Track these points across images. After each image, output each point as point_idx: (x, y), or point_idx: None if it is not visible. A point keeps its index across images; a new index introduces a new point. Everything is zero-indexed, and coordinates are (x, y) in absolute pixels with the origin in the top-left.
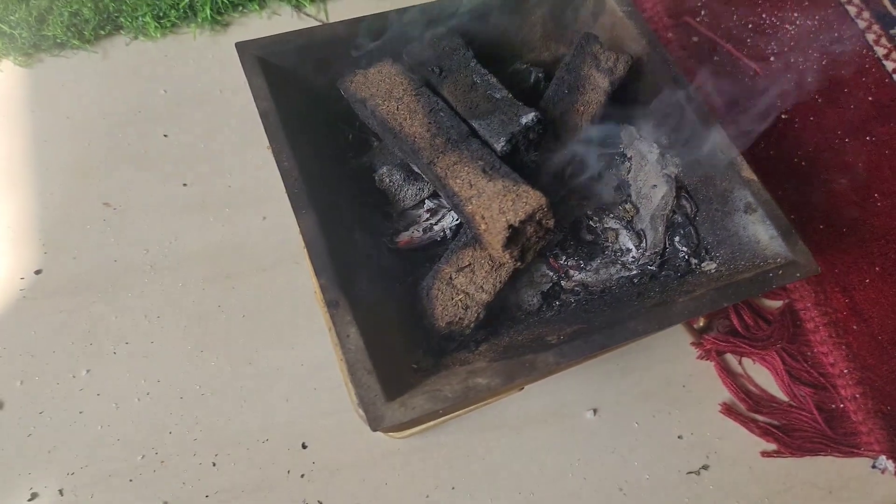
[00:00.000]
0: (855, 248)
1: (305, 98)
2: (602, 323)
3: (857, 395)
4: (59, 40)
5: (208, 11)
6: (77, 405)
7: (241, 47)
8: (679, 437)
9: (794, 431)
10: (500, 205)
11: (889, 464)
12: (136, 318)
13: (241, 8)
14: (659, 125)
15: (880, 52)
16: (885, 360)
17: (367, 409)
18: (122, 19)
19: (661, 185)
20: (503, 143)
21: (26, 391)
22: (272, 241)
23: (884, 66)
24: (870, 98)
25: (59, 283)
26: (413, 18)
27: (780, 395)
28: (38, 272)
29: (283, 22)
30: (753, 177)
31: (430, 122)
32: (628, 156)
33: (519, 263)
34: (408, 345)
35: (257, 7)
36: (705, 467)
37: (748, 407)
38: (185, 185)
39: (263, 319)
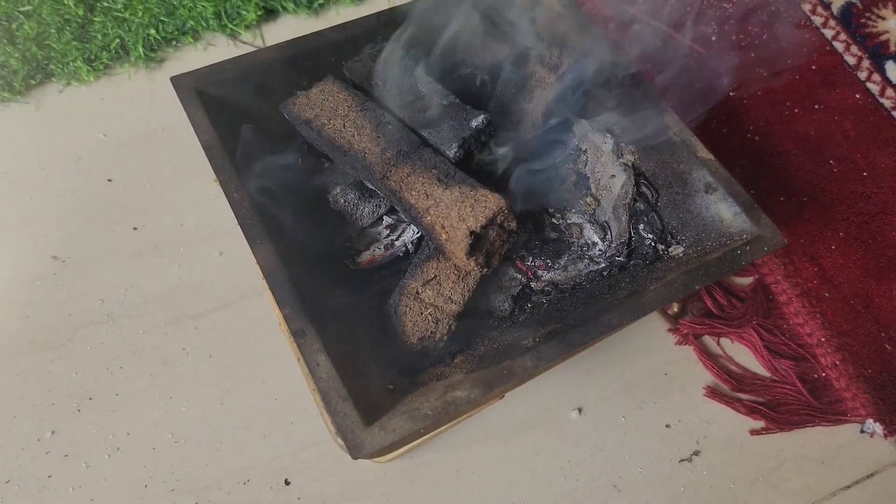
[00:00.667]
0: (817, 216)
1: (248, 126)
2: (576, 320)
3: (838, 362)
4: None
5: (141, 49)
6: (45, 469)
7: (177, 81)
8: (667, 426)
9: (780, 406)
10: (459, 212)
11: (877, 427)
12: (98, 372)
13: (174, 42)
14: (610, 115)
15: (818, 21)
16: (859, 323)
17: (345, 437)
18: (52, 66)
19: (619, 174)
20: (455, 149)
21: None
22: (231, 275)
23: (823, 34)
24: (813, 67)
25: (11, 344)
26: (352, 34)
27: (762, 372)
28: None
29: (220, 53)
30: (710, 156)
31: (378, 136)
32: (583, 149)
33: (485, 269)
34: (381, 366)
35: (191, 40)
36: (696, 453)
37: (732, 387)
38: (135, 228)
39: (231, 357)
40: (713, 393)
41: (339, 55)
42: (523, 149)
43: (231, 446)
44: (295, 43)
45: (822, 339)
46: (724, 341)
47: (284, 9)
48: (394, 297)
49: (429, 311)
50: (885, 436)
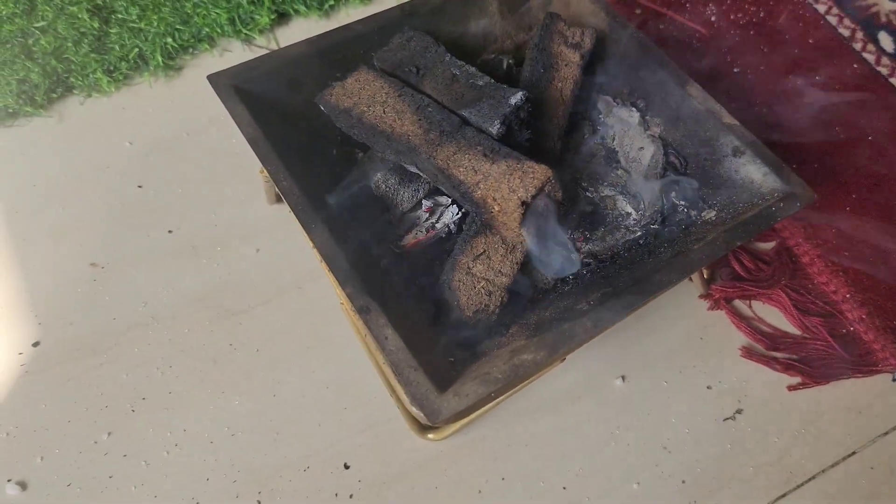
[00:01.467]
0: (829, 180)
1: (282, 120)
2: (625, 283)
3: (864, 317)
4: (10, 110)
5: (159, 58)
6: (105, 470)
7: (214, 79)
8: (708, 388)
9: (813, 361)
10: (509, 184)
11: None
12: (149, 372)
13: (191, 50)
14: (633, 90)
15: None
16: (880, 280)
17: (421, 404)
18: (72, 79)
19: (647, 146)
20: (498, 125)
21: (48, 466)
22: (270, 271)
23: (816, 9)
24: (810, 41)
25: (60, 351)
26: (378, 25)
27: (793, 330)
28: (35, 344)
29: (236, 57)
30: (735, 121)
31: (420, 119)
32: (610, 124)
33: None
34: (439, 341)
35: (207, 46)
36: (739, 411)
37: (766, 346)
38: (170, 231)
39: (278, 349)
40: (749, 353)
41: (368, 47)
42: (555, 125)
43: (287, 436)
44: (323, 37)
45: (847, 296)
46: (755, 304)
47: (296, 11)
48: (446, 274)
49: (481, 284)
50: None
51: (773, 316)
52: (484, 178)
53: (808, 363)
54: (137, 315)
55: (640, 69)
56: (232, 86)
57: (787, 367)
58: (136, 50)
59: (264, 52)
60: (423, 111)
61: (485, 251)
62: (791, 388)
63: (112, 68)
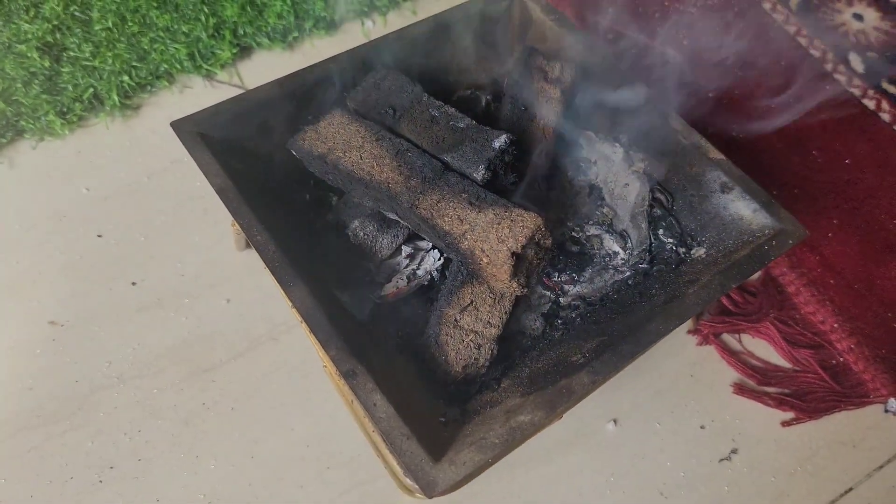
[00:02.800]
0: (810, 206)
1: (252, 166)
2: (620, 331)
3: (853, 346)
4: None
5: (115, 98)
6: None
7: (178, 126)
8: (702, 427)
9: (806, 395)
10: (497, 234)
11: None
12: (116, 438)
13: (149, 88)
14: (615, 124)
15: (779, 18)
16: (867, 306)
17: (416, 476)
18: (23, 123)
19: (632, 182)
20: (483, 171)
21: None
22: (242, 322)
23: (787, 31)
24: (783, 62)
25: (19, 419)
26: (349, 63)
27: (784, 363)
28: None
29: (197, 94)
30: (721, 156)
31: (399, 165)
32: (593, 160)
33: (525, 290)
34: (427, 398)
35: (166, 83)
36: (734, 451)
37: (758, 381)
38: (133, 283)
39: (254, 407)
40: (741, 389)
41: (340, 87)
42: (538, 165)
43: (267, 501)
44: (292, 77)
45: (835, 325)
46: (744, 337)
47: (259, 45)
48: (431, 328)
49: (469, 337)
50: None
51: (763, 348)
52: (470, 228)
53: (800, 397)
54: (102, 376)
55: (622, 102)
56: (198, 133)
57: (779, 403)
58: (91, 90)
59: (226, 87)
60: (403, 156)
61: (472, 302)
62: (785, 423)
63: (65, 110)
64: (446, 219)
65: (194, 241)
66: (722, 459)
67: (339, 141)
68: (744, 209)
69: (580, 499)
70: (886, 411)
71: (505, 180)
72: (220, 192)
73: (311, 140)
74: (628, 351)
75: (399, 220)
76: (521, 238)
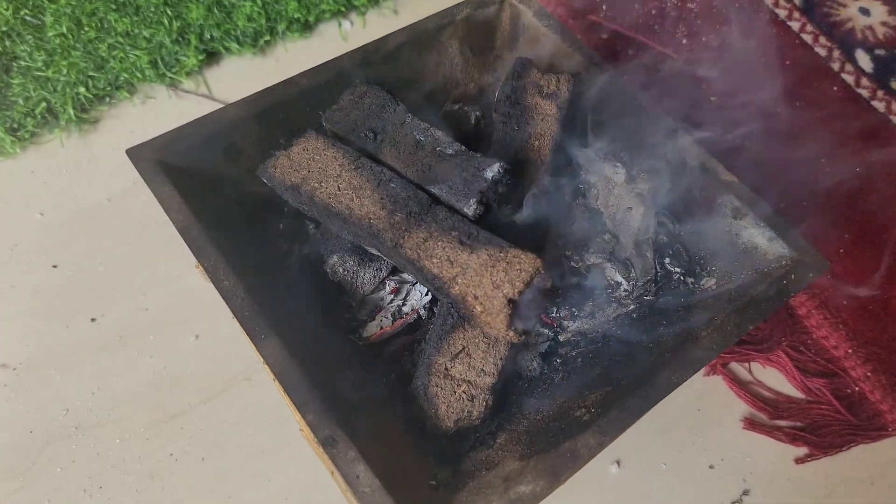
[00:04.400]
0: (819, 219)
1: (219, 195)
2: (627, 379)
3: (869, 374)
4: None
5: (70, 111)
6: None
7: (135, 154)
8: (711, 467)
9: (820, 429)
10: (491, 278)
11: None
12: (75, 496)
13: (107, 99)
14: (616, 142)
15: (782, 14)
16: (882, 329)
17: None
18: None
19: (635, 206)
20: (474, 205)
21: None
22: (213, 361)
23: (790, 27)
24: (787, 62)
25: None
26: (325, 79)
27: (796, 393)
28: None
29: (160, 105)
30: (733, 178)
31: (382, 198)
32: (592, 181)
33: (523, 338)
34: (415, 456)
35: (127, 94)
36: (746, 492)
37: (769, 415)
38: (93, 320)
39: (227, 456)
40: (752, 424)
41: (315, 104)
42: (534, 190)
43: None
44: (262, 95)
45: (849, 351)
46: (754, 365)
47: (227, 50)
48: (420, 378)
49: (462, 388)
50: None
51: (774, 377)
52: (462, 272)
53: (814, 431)
54: (58, 425)
55: (623, 117)
56: (157, 161)
57: (793, 438)
58: (44, 104)
59: (193, 97)
60: (385, 187)
61: (464, 348)
62: (798, 460)
63: (16, 126)
64: (434, 260)
65: (160, 270)
66: (734, 503)
67: (314, 169)
68: (758, 237)
69: None
70: None
71: (499, 212)
72: (182, 231)
73: (284, 168)
74: (638, 406)
75: (382, 256)
76: (518, 283)
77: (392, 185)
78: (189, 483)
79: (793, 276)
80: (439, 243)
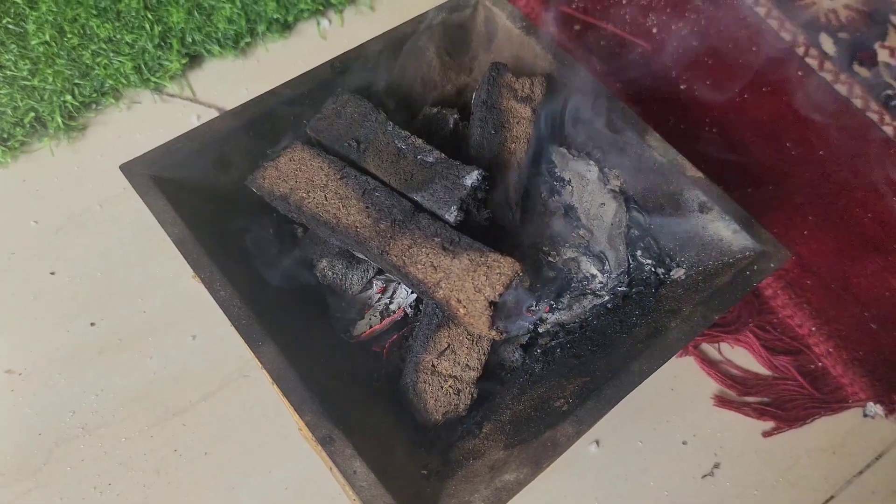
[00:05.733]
0: (785, 202)
1: (212, 205)
2: (602, 370)
3: (831, 350)
4: None
5: (59, 119)
6: None
7: (129, 170)
8: (684, 443)
9: (786, 404)
10: (473, 282)
11: (878, 408)
12: (85, 493)
13: (94, 106)
14: (589, 140)
15: (748, 0)
16: (844, 307)
17: None
18: None
19: (608, 202)
20: (455, 212)
21: None
22: (211, 359)
23: (757, 13)
24: (753, 48)
25: None
26: (307, 87)
27: (763, 371)
28: None
29: (146, 109)
30: (699, 174)
31: (367, 207)
32: (566, 179)
33: (505, 335)
34: (407, 448)
35: (113, 100)
36: (717, 466)
37: (738, 392)
38: (92, 324)
39: (229, 450)
40: (722, 401)
41: (299, 112)
42: (511, 191)
43: None
44: (248, 106)
45: (813, 329)
46: (723, 345)
47: (209, 52)
48: (408, 376)
49: (448, 383)
50: (887, 415)
51: (743, 356)
52: (445, 276)
53: (780, 406)
54: (65, 426)
55: (595, 116)
56: (150, 176)
57: (760, 413)
58: (32, 113)
59: (178, 101)
60: (370, 196)
61: (449, 345)
62: (766, 433)
63: (6, 136)
64: (419, 266)
65: (155, 273)
66: (705, 475)
67: (301, 179)
68: (723, 230)
69: None
70: (865, 416)
71: (478, 217)
72: (178, 244)
73: (272, 178)
74: (612, 396)
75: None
76: (498, 286)
77: (377, 193)
78: (194, 476)
79: (755, 267)
80: (423, 249)
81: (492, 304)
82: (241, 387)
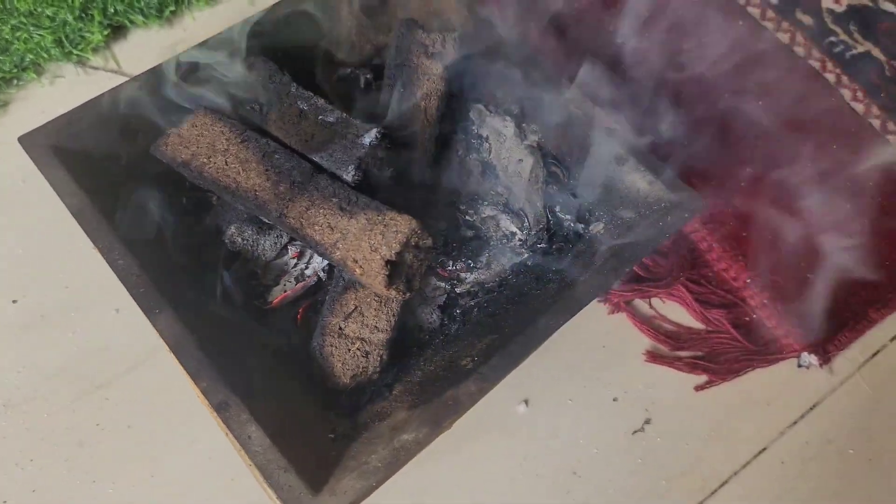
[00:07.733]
0: (728, 154)
1: (120, 175)
2: (512, 328)
3: (766, 301)
4: None
5: None
6: None
7: (28, 141)
8: (615, 400)
9: (718, 357)
10: (369, 242)
11: (811, 358)
12: (7, 469)
13: (15, 82)
14: (505, 95)
15: None
16: (777, 258)
17: None
18: None
19: (526, 158)
20: (353, 172)
21: None
22: (135, 332)
23: None
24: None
25: None
26: (211, 53)
27: (697, 325)
28: None
29: (70, 83)
30: (615, 126)
31: (267, 169)
32: (484, 136)
33: (409, 294)
34: (316, 411)
35: (34, 75)
36: (648, 421)
37: (670, 347)
38: (14, 301)
39: (152, 422)
40: (653, 356)
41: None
42: (423, 150)
43: None
44: (155, 71)
45: (748, 281)
46: (656, 301)
47: (133, 23)
48: (316, 339)
49: (356, 345)
50: (821, 365)
51: (676, 311)
52: (342, 237)
53: (712, 359)
54: None
55: (511, 71)
56: (51, 146)
57: (692, 367)
58: None
59: (102, 73)
60: (270, 159)
61: (356, 307)
62: (698, 388)
63: None
64: (316, 227)
65: (77, 248)
66: (636, 431)
67: (202, 145)
68: (640, 181)
69: (491, 487)
70: (799, 366)
71: (381, 175)
72: (76, 215)
73: (174, 145)
74: (518, 352)
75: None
76: (394, 244)
77: (276, 156)
78: (116, 449)
79: (668, 218)
80: (321, 210)
81: (388, 262)
82: (166, 358)
